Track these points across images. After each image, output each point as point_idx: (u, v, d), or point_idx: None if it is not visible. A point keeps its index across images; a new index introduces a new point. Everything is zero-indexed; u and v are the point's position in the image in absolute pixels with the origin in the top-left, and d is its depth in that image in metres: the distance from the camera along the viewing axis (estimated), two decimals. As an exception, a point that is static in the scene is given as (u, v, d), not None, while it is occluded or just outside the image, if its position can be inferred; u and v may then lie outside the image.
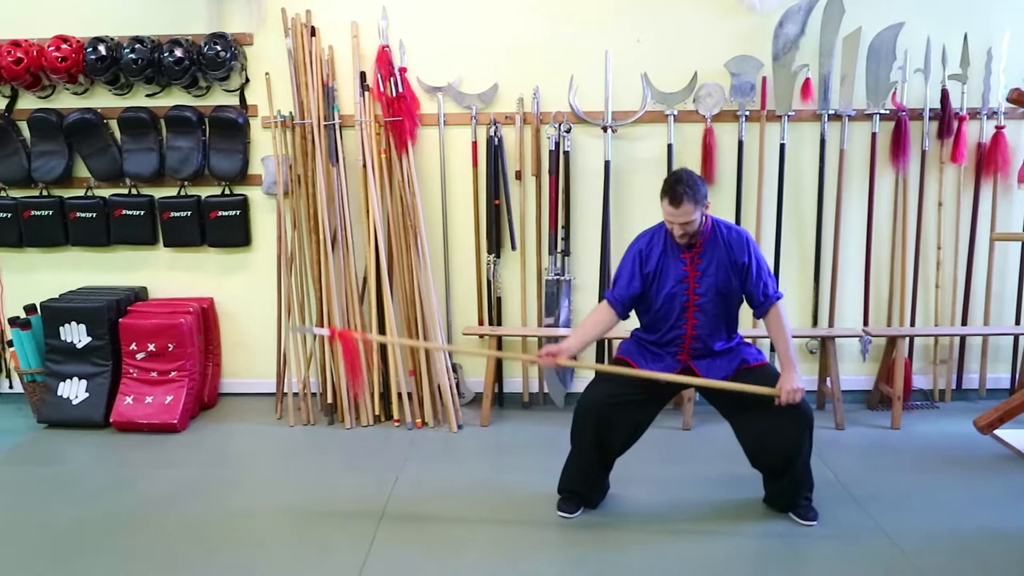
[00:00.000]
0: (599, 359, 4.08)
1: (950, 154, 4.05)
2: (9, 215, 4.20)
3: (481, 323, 4.23)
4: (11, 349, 4.19)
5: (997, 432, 3.56)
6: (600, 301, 3.15)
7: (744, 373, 2.91)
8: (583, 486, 3.06)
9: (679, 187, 2.74)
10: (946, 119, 4.01)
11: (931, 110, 4.02)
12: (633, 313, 3.04)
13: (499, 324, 4.21)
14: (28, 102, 4.17)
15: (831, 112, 4.01)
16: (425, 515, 3.09)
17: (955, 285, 4.18)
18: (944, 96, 4.00)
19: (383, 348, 4.05)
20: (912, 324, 4.18)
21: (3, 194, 4.25)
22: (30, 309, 4.15)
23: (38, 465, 3.65)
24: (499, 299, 4.20)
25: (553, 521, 3.01)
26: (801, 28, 3.94)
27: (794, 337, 2.99)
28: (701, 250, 2.89)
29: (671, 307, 2.91)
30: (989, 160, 4.05)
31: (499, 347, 4.14)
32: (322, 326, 4.02)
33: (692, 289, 2.88)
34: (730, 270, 2.88)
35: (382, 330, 4.01)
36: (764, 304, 2.92)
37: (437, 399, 4.02)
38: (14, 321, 4.13)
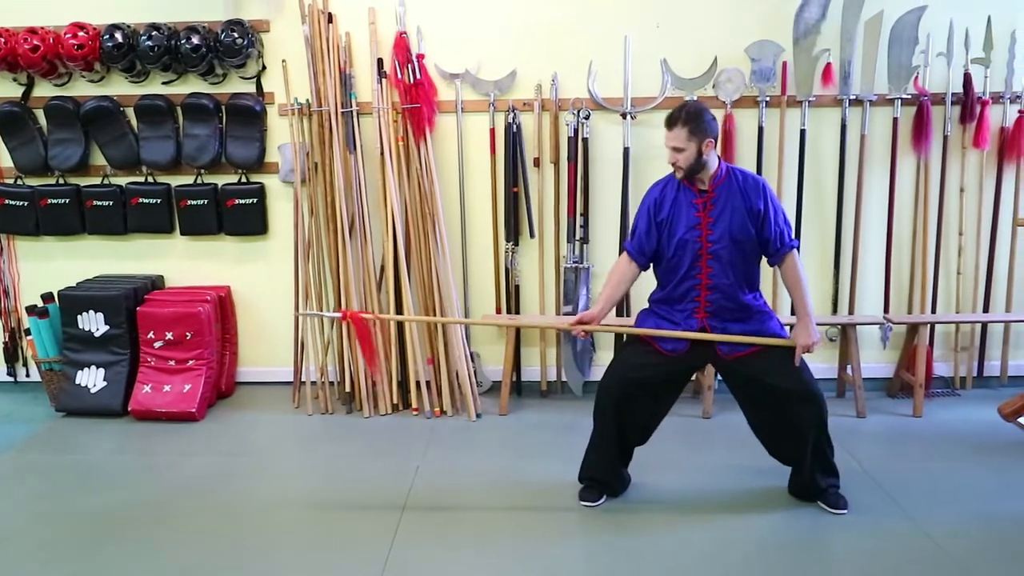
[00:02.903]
0: (616, 341, 4.06)
1: (972, 139, 4.00)
2: (26, 203, 4.18)
3: (499, 311, 4.21)
4: (29, 337, 4.19)
5: (1021, 419, 3.52)
6: (619, 255, 3.07)
7: (761, 352, 2.85)
8: (604, 473, 3.04)
9: (677, 112, 2.77)
10: (968, 103, 3.97)
11: (953, 94, 3.98)
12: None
13: (517, 312, 4.19)
14: (44, 90, 4.15)
15: (852, 97, 3.97)
16: (448, 503, 3.08)
17: (977, 271, 4.14)
18: (967, 80, 3.96)
19: (401, 336, 4.03)
20: (933, 311, 4.14)
21: (20, 182, 4.24)
22: (47, 297, 4.15)
23: (58, 454, 3.65)
24: (517, 287, 4.17)
25: (576, 509, 3.00)
26: (822, 12, 3.90)
27: (817, 325, 2.93)
28: (714, 195, 2.83)
29: (683, 254, 2.83)
30: (1012, 145, 4.01)
31: (517, 336, 4.13)
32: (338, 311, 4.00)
33: (705, 236, 2.81)
34: (746, 216, 2.80)
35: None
36: (780, 252, 2.84)
37: (455, 387, 4.01)
38: (32, 309, 4.12)
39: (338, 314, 3.31)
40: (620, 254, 3.05)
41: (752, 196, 2.81)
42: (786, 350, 2.84)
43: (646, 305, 3.06)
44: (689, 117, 2.74)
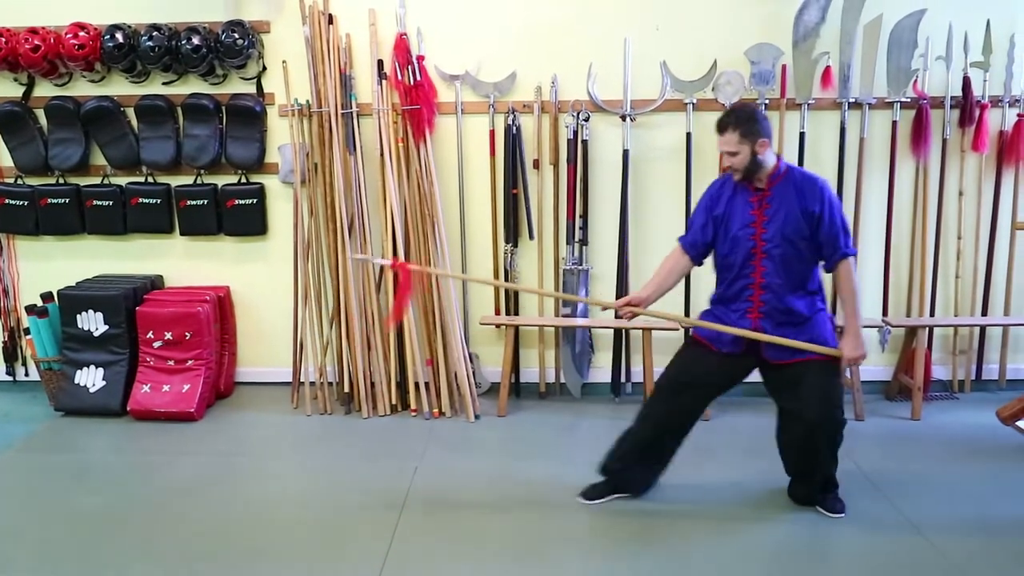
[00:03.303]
0: (616, 343, 4.06)
1: (971, 142, 4.01)
2: (26, 203, 4.19)
3: (498, 312, 4.21)
4: (28, 337, 4.19)
5: (1020, 423, 3.53)
6: (673, 248, 3.02)
7: (806, 361, 2.81)
8: (625, 464, 3.02)
9: (727, 116, 2.77)
10: (967, 107, 3.97)
11: (952, 98, 3.98)
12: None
13: (516, 314, 4.19)
14: (45, 90, 4.15)
15: (851, 100, 3.98)
16: (447, 504, 3.08)
17: (975, 275, 4.15)
18: (966, 84, 3.96)
19: (400, 337, 4.03)
20: (932, 314, 4.14)
21: (20, 182, 4.24)
22: (47, 297, 4.15)
23: (56, 453, 3.65)
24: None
25: (575, 510, 3.00)
26: (822, 15, 3.90)
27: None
28: (770, 194, 2.79)
29: (736, 251, 2.82)
30: (1011, 148, 4.02)
31: (516, 338, 4.12)
32: (342, 310, 4.01)
33: (759, 235, 2.79)
34: (800, 217, 2.75)
35: (399, 319, 3.99)
36: (833, 257, 2.79)
37: (454, 388, 4.01)
38: (31, 309, 4.13)
39: (388, 261, 3.29)
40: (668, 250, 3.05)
41: (808, 197, 2.76)
42: (831, 363, 2.81)
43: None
44: (740, 120, 2.73)
